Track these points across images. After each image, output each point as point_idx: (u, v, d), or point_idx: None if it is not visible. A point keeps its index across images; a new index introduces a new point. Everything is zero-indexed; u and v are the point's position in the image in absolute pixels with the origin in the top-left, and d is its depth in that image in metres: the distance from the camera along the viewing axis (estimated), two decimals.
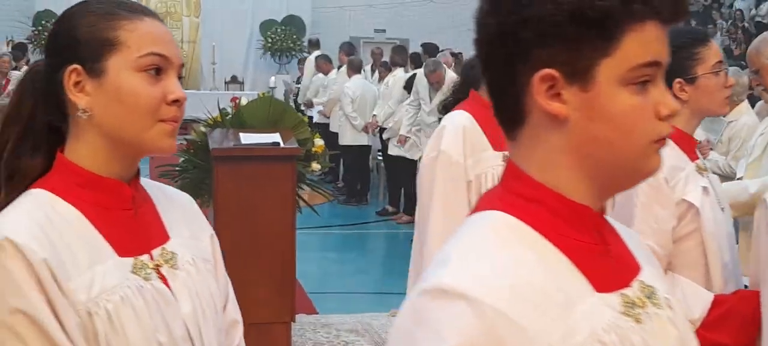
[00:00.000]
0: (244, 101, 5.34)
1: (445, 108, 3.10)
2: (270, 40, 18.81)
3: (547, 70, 1.02)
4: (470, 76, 3.03)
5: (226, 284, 1.63)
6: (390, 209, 10.06)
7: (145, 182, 1.53)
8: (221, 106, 5.38)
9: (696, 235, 2.29)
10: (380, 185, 11.02)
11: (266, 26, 18.93)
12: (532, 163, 1.07)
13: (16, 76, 11.56)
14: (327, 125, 11.36)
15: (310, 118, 11.29)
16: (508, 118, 1.10)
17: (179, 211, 1.57)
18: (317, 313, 6.17)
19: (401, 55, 10.74)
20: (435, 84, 8.59)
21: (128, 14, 1.43)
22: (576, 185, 1.06)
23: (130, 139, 1.42)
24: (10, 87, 11.28)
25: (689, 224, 2.28)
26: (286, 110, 5.34)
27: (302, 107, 12.46)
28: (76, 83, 1.41)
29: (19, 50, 13.13)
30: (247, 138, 4.75)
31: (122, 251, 1.42)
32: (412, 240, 9.45)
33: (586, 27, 1.00)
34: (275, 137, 4.77)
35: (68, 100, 1.42)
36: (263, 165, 4.60)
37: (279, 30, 18.85)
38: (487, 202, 1.10)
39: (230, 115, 5.21)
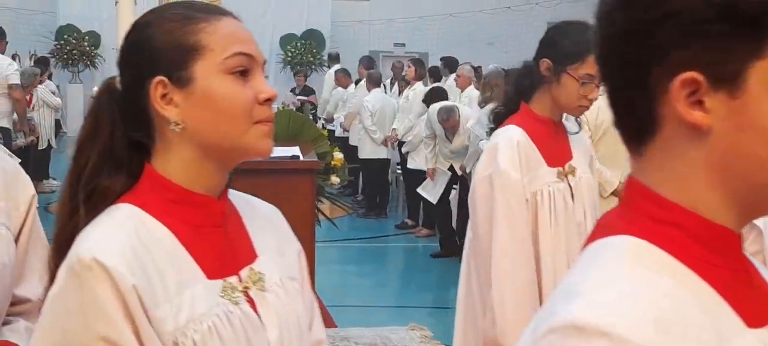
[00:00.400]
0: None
1: (497, 118, 2.93)
2: (290, 54, 18.89)
3: (690, 74, 0.88)
4: (522, 87, 2.86)
5: (312, 303, 1.56)
6: (409, 222, 10.05)
7: (232, 193, 1.46)
8: None
9: (758, 257, 2.25)
10: (399, 198, 11.03)
11: (286, 40, 19.02)
12: (664, 181, 0.93)
13: (40, 91, 11.66)
14: (346, 139, 11.39)
15: (331, 131, 11.33)
16: (633, 129, 0.95)
17: (266, 225, 1.51)
18: (336, 326, 6.17)
19: (420, 69, 10.74)
20: (450, 130, 8.47)
21: (205, 16, 1.35)
22: (716, 205, 0.92)
23: (228, 145, 1.35)
24: (33, 101, 11.38)
25: (752, 244, 2.23)
26: (305, 124, 5.36)
27: (322, 121, 12.50)
28: (163, 96, 1.33)
29: (41, 64, 13.24)
30: None
31: (211, 272, 1.35)
32: (431, 254, 9.34)
33: (737, 25, 0.87)
34: (295, 150, 4.79)
35: (155, 114, 1.34)
36: (283, 178, 4.62)
37: (299, 44, 18.94)
38: (609, 226, 0.96)
39: None
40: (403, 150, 9.92)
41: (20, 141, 9.96)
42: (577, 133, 2.91)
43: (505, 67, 8.69)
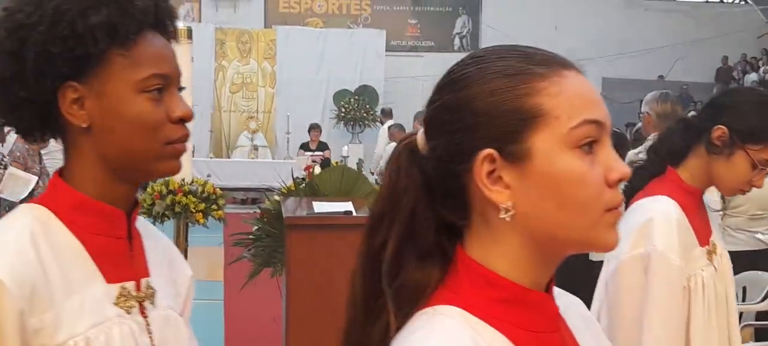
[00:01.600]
0: (317, 170, 5.39)
1: (637, 177, 2.48)
2: (343, 109, 19.05)
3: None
4: (672, 148, 2.42)
5: None
6: None
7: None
8: (295, 175, 5.44)
9: None
10: None
11: (339, 96, 19.19)
12: None
13: None
14: None
15: None
16: None
17: (583, 325, 1.21)
18: None
19: None
20: None
21: (545, 71, 1.05)
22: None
23: (569, 239, 1.05)
24: None
25: None
26: (358, 179, 5.37)
27: (375, 177, 12.54)
28: (489, 173, 1.04)
29: None
30: (319, 207, 4.78)
31: None
32: None
33: None
34: (348, 206, 4.78)
35: (478, 193, 1.05)
36: (336, 233, 4.60)
37: (352, 100, 19.09)
38: None
39: (303, 184, 5.26)
40: None
41: None
42: (719, 211, 2.60)
43: None
